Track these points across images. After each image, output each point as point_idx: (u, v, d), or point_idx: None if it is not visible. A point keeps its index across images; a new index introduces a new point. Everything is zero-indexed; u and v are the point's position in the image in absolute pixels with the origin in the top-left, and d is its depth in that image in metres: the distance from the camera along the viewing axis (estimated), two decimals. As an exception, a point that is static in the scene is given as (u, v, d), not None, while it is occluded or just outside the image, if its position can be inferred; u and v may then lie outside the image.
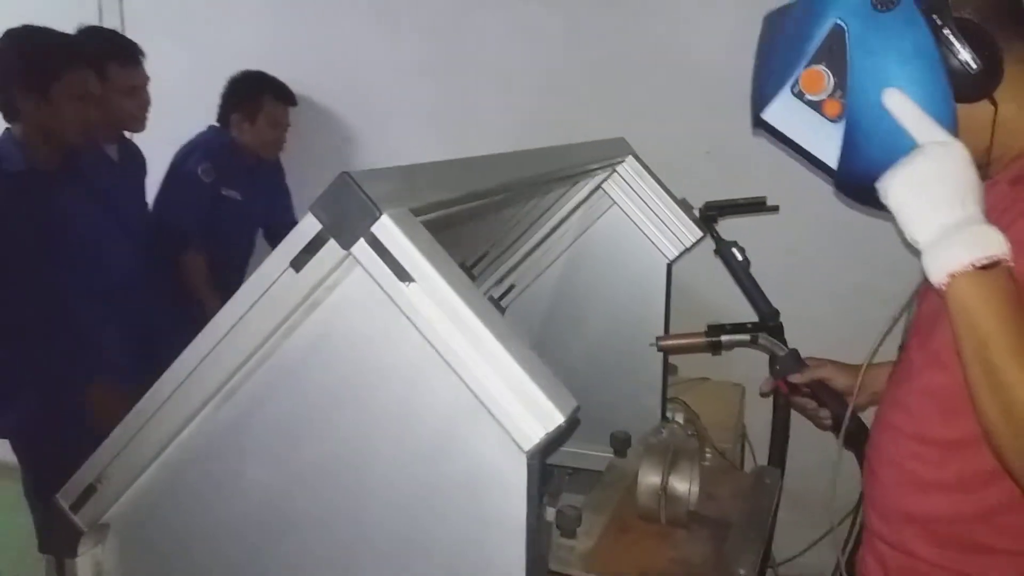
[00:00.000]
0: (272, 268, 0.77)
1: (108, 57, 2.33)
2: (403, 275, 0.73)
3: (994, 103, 0.96)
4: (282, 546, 0.87)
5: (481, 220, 1.79)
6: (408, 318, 0.74)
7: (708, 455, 1.82)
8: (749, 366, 2.13)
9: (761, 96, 1.06)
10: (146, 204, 2.61)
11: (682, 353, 1.75)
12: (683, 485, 1.39)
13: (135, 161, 2.60)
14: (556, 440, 0.75)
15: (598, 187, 1.77)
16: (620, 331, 1.84)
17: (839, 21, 0.98)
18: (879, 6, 0.95)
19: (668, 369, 1.90)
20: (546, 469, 1.98)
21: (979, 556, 1.01)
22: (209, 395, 0.83)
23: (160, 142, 2.67)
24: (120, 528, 0.93)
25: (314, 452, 0.83)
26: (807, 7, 1.02)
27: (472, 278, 1.88)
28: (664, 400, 1.86)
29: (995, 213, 0.90)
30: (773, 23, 1.11)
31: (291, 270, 0.76)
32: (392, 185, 0.77)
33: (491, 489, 0.78)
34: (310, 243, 0.75)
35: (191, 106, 2.77)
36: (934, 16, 0.94)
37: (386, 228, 0.73)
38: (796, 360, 1.52)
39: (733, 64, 2.36)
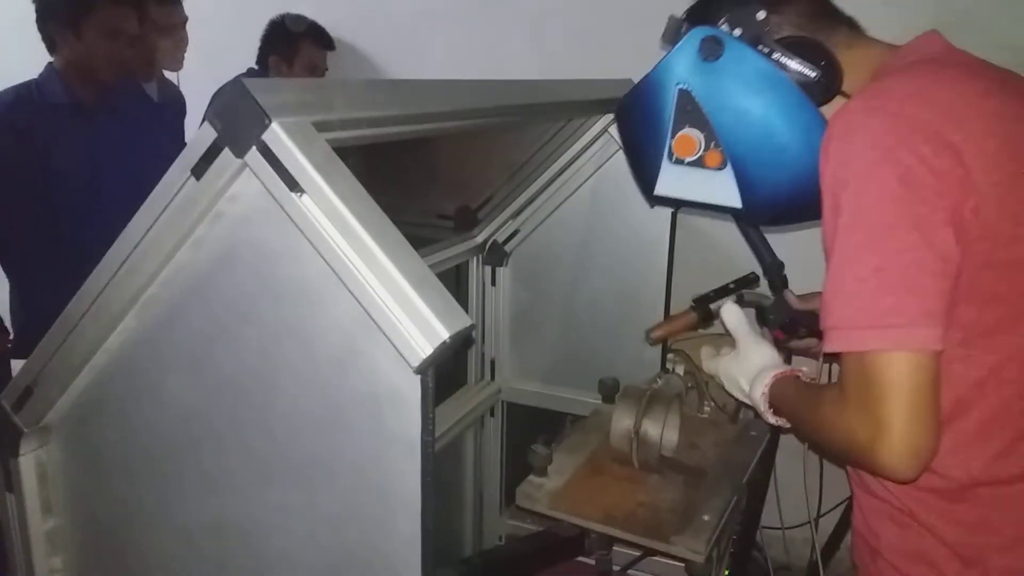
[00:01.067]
0: (175, 176, 0.78)
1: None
2: (293, 185, 0.73)
3: (846, 95, 1.02)
4: (202, 455, 0.89)
5: (485, 162, 1.78)
6: (300, 230, 0.74)
7: (708, 407, 1.78)
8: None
9: (646, 176, 1.16)
10: (184, 144, 2.67)
11: (677, 335, 1.67)
12: (656, 430, 1.37)
13: (175, 101, 2.67)
14: (446, 355, 0.75)
15: (604, 130, 1.73)
16: (623, 280, 1.82)
17: (681, 85, 1.07)
18: (709, 58, 1.04)
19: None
20: (550, 416, 1.99)
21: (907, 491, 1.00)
22: (128, 303, 0.86)
23: (202, 83, 2.73)
24: (61, 430, 0.97)
25: (226, 366, 0.85)
26: (648, 86, 1.12)
27: (476, 221, 1.88)
28: (665, 350, 1.83)
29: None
30: (626, 110, 1.21)
31: (192, 178, 0.77)
32: (294, 96, 0.77)
33: (388, 405, 0.78)
34: (207, 151, 0.76)
35: (233, 48, 2.82)
36: (759, 47, 1.02)
37: (276, 136, 0.73)
38: (784, 304, 1.48)
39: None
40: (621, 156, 1.74)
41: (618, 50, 2.55)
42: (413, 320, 0.73)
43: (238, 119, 0.73)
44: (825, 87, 1.02)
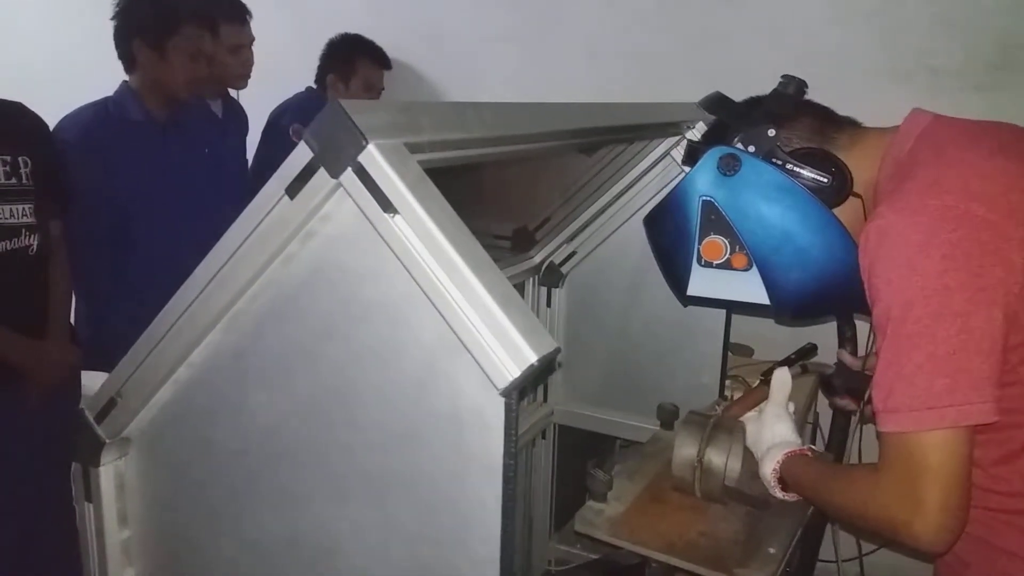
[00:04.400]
0: (270, 194, 0.79)
1: (217, 16, 2.43)
2: (387, 206, 0.74)
3: (858, 195, 1.11)
4: (279, 470, 0.90)
5: (543, 183, 1.79)
6: (392, 250, 0.75)
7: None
8: (824, 354, 2.05)
9: (679, 278, 1.27)
10: (246, 161, 2.73)
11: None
12: (719, 459, 1.35)
13: (238, 119, 2.72)
14: (534, 378, 0.75)
15: (666, 154, 1.73)
16: (680, 306, 1.80)
17: (705, 197, 1.18)
18: (728, 173, 1.15)
19: (729, 347, 1.85)
20: (600, 439, 1.98)
21: None
22: (215, 318, 0.87)
23: (262, 101, 2.78)
24: (140, 442, 0.99)
25: (308, 382, 0.85)
26: (675, 199, 1.23)
27: (533, 242, 1.88)
28: (723, 377, 1.81)
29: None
30: (654, 223, 1.34)
31: (286, 197, 0.78)
32: (388, 118, 0.78)
33: (470, 426, 0.78)
34: (303, 171, 0.77)
35: (294, 67, 2.87)
36: (773, 160, 1.13)
37: (372, 157, 0.73)
38: (845, 368, 1.50)
39: (822, 34, 2.28)
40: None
41: (672, 71, 2.57)
42: (501, 342, 0.73)
43: (335, 140, 0.74)
44: (837, 190, 1.11)
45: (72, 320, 2.10)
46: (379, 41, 2.87)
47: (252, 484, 0.92)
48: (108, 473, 0.99)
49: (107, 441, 0.97)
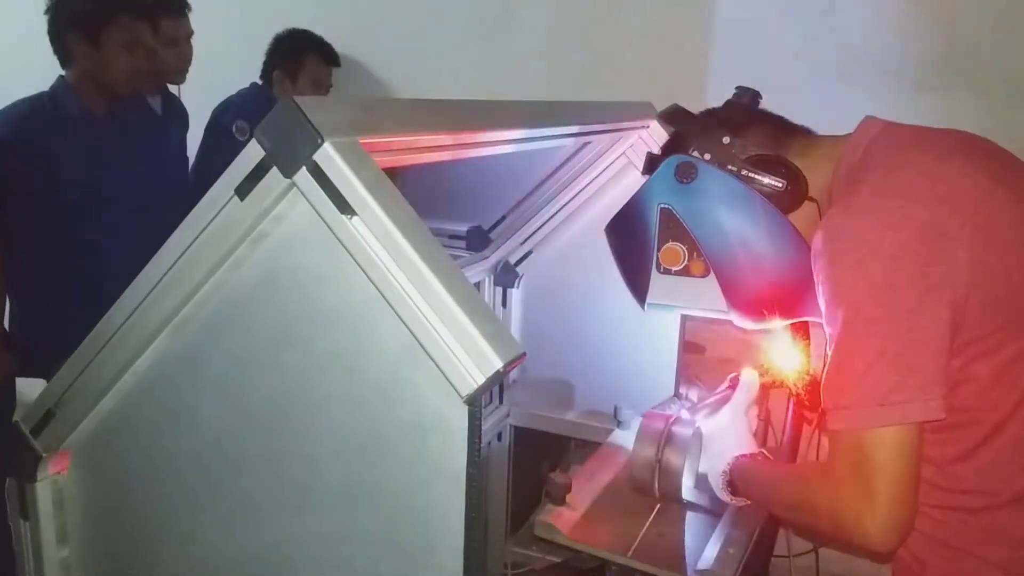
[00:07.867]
0: (218, 195, 0.75)
1: (154, 7, 2.35)
2: (345, 207, 0.71)
3: (813, 200, 1.12)
4: (232, 482, 0.86)
5: (498, 182, 1.76)
6: (350, 253, 0.72)
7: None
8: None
9: (639, 286, 1.29)
10: (186, 158, 2.65)
11: None
12: (678, 460, 1.35)
13: (177, 115, 2.64)
14: (494, 385, 0.73)
15: (623, 153, 1.72)
16: (635, 304, 1.79)
17: (663, 204, 1.19)
18: (684, 180, 1.16)
19: (685, 347, 1.85)
20: (555, 440, 1.96)
21: None
22: (161, 324, 0.83)
23: (207, 97, 2.70)
24: (81, 455, 0.94)
25: (262, 390, 0.82)
26: (634, 207, 1.25)
27: (488, 242, 1.86)
28: (678, 376, 1.81)
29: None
30: (615, 230, 1.35)
31: (236, 198, 0.75)
32: (344, 115, 0.75)
33: (433, 433, 0.76)
34: (254, 170, 0.73)
35: (239, 62, 2.80)
36: (729, 167, 1.13)
37: (328, 157, 0.70)
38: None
39: (776, 34, 2.30)
40: (638, 178, 1.73)
41: (625, 69, 2.56)
42: (465, 348, 0.70)
43: (289, 138, 0.70)
44: (792, 195, 1.12)
45: (7, 324, 2.02)
46: (328, 37, 2.81)
47: (204, 495, 0.88)
48: (46, 488, 0.93)
49: (44, 455, 0.92)
